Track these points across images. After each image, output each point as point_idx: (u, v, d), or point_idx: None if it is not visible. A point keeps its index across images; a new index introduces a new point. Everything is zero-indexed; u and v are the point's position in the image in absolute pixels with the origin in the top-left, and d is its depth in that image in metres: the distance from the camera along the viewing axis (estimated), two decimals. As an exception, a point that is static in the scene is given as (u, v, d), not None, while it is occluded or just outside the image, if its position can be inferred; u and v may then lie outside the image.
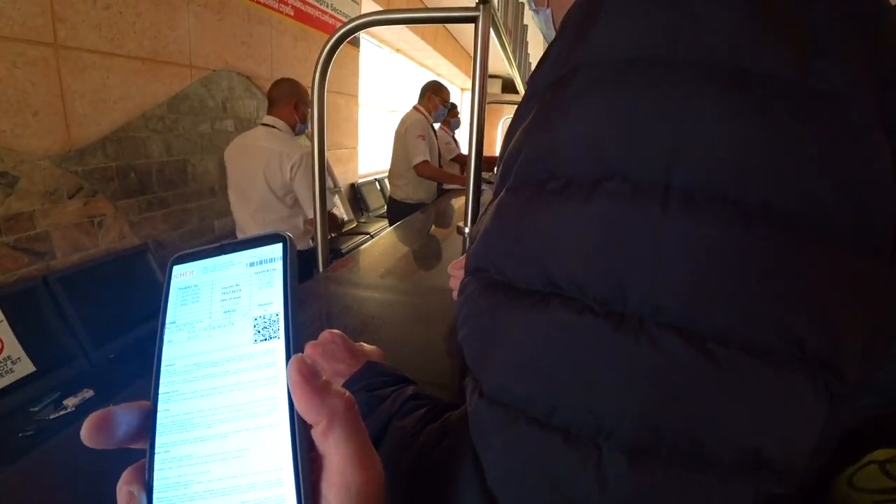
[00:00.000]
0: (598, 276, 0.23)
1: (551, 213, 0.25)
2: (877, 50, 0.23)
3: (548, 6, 0.55)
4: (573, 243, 0.24)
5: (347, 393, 0.23)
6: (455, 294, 0.74)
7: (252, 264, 0.26)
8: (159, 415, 0.24)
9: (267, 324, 0.24)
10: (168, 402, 0.24)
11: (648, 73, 0.24)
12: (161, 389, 0.24)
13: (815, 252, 0.22)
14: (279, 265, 0.25)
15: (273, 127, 2.22)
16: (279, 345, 0.24)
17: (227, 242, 0.27)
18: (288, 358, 0.23)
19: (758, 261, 0.21)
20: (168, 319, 0.26)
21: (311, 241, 2.28)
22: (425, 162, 3.15)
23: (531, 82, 0.31)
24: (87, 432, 0.22)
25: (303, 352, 0.22)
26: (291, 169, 2.14)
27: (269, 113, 2.25)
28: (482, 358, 0.28)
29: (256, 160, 2.15)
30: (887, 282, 0.23)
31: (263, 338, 0.24)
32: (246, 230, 2.30)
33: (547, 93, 0.28)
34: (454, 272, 0.77)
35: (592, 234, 0.24)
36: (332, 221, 2.25)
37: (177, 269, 0.27)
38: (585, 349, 0.23)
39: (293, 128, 2.30)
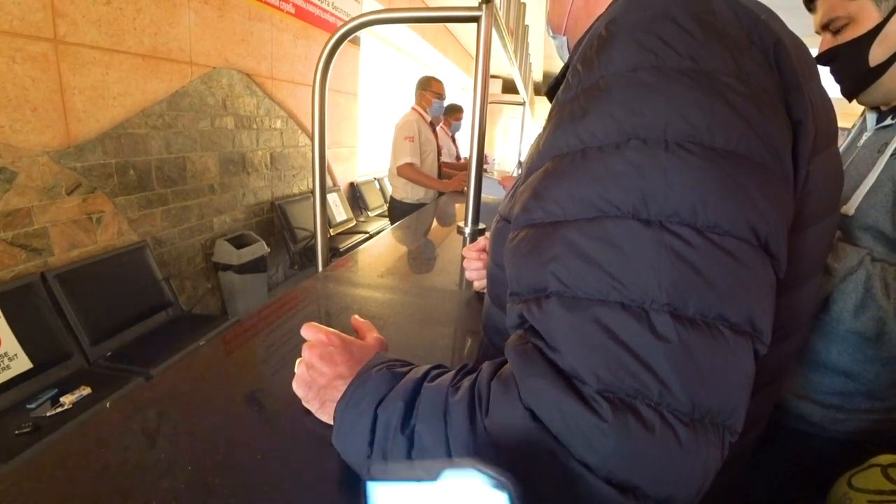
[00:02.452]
0: (628, 196, 0.34)
1: (598, 164, 0.36)
2: (773, 72, 0.38)
3: (564, 34, 0.62)
4: (611, 180, 0.35)
5: None
6: (468, 274, 0.92)
7: None
8: None
9: None
10: None
11: (644, 75, 0.36)
12: None
13: (759, 176, 0.35)
14: None
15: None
16: None
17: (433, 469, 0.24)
18: None
19: (728, 180, 0.33)
20: None
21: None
22: (408, 164, 3.17)
23: (559, 98, 0.44)
24: None
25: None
26: None
27: None
28: (542, 273, 0.36)
29: None
30: (791, 200, 0.38)
31: None
32: None
33: (580, 96, 0.39)
34: (470, 254, 0.90)
35: (623, 172, 0.35)
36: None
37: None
38: (627, 242, 0.33)
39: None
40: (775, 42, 0.39)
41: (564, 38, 0.62)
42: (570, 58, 0.53)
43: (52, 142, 2.02)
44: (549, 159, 0.40)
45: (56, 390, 1.85)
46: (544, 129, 0.45)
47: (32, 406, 1.76)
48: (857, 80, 0.79)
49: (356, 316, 0.65)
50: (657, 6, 0.38)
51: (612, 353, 0.31)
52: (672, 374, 0.30)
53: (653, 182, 0.34)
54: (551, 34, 0.66)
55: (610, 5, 0.45)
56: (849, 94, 0.82)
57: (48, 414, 1.71)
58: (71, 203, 2.13)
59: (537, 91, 8.08)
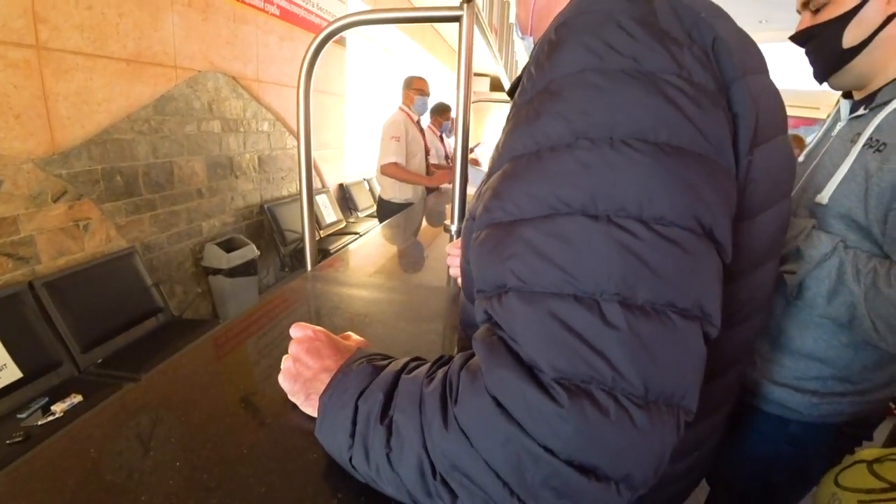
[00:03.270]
0: (578, 193, 0.36)
1: (550, 164, 0.38)
2: (712, 67, 0.41)
3: (530, 34, 0.64)
4: (562, 178, 0.37)
5: None
6: (452, 270, 0.94)
7: None
8: None
9: None
10: None
11: (591, 77, 0.38)
12: None
13: (701, 168, 0.37)
14: None
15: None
16: None
17: None
18: None
19: (671, 174, 0.35)
20: None
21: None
22: (393, 164, 3.19)
23: (516, 101, 0.46)
24: None
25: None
26: None
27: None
28: (501, 270, 0.38)
29: None
30: (734, 189, 0.40)
31: None
32: None
33: (534, 99, 0.41)
34: (453, 251, 0.93)
35: (574, 171, 0.36)
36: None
37: None
38: (578, 238, 0.35)
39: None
40: (714, 38, 0.41)
41: (531, 39, 0.64)
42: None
43: (37, 149, 2.01)
44: (508, 160, 0.42)
45: (47, 399, 1.84)
46: (504, 130, 0.47)
47: (23, 416, 1.75)
48: (829, 61, 0.81)
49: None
50: (602, 10, 0.40)
51: (566, 343, 0.33)
52: (623, 359, 0.32)
53: (600, 179, 0.35)
54: (520, 35, 0.67)
55: (567, 5, 0.47)
56: (821, 75, 0.84)
57: (39, 423, 1.70)
58: (57, 210, 2.12)
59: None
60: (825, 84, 0.84)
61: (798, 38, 0.83)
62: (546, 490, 0.32)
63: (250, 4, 3.23)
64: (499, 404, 0.34)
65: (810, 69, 0.85)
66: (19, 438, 1.60)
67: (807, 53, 0.84)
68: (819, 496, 0.73)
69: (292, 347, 0.56)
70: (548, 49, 0.42)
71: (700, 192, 0.36)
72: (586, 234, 0.35)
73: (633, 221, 0.34)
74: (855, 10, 0.75)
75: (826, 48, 0.80)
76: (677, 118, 0.36)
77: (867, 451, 0.72)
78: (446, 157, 3.97)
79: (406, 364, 0.47)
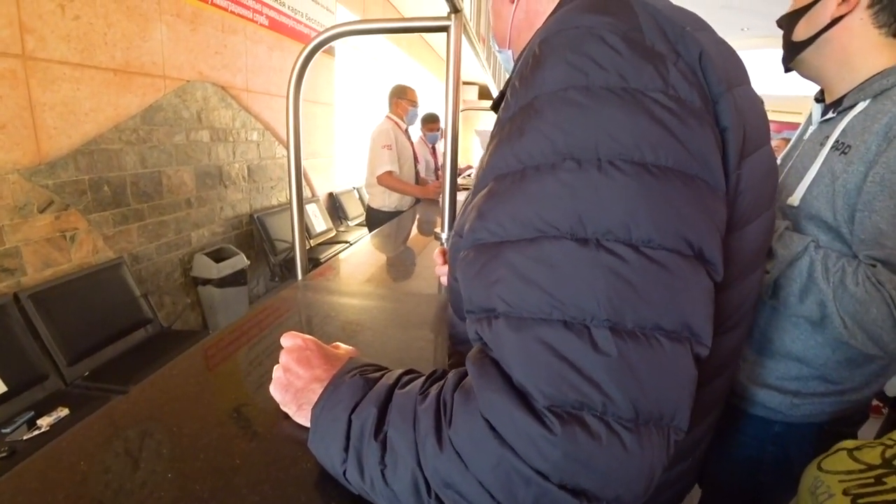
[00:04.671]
0: (564, 216, 0.35)
1: (534, 185, 0.37)
2: (699, 83, 0.40)
3: (508, 47, 0.63)
4: (548, 200, 0.36)
5: None
6: (443, 279, 0.93)
7: None
8: None
9: None
10: None
11: (575, 95, 0.37)
12: None
13: (688, 188, 0.36)
14: None
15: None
16: None
17: None
18: None
19: (657, 195, 0.35)
20: None
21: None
22: (388, 173, 3.20)
23: (500, 116, 0.46)
24: None
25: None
26: None
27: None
28: (488, 294, 0.37)
29: None
30: (723, 206, 0.40)
31: None
32: None
33: (517, 115, 0.41)
34: (440, 259, 0.94)
35: (559, 193, 0.36)
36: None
37: None
38: (565, 262, 0.35)
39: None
40: (700, 53, 0.41)
41: (510, 52, 0.63)
42: (512, 73, 0.54)
43: (23, 159, 1.99)
44: (492, 179, 0.42)
45: (32, 413, 1.81)
46: (488, 146, 0.47)
47: (8, 430, 1.72)
48: (786, 49, 0.85)
49: None
50: (586, 25, 0.40)
51: (555, 370, 0.33)
52: (613, 385, 0.32)
53: (586, 201, 0.35)
54: (496, 49, 0.67)
55: (547, 19, 0.47)
56: (783, 60, 0.88)
57: (25, 437, 1.67)
58: (43, 221, 2.09)
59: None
60: (807, 89, 0.86)
61: (778, 23, 0.88)
62: None
63: (239, 15, 3.23)
64: (491, 427, 0.34)
65: (794, 73, 0.89)
66: (4, 454, 1.56)
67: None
68: (803, 481, 0.75)
69: (282, 357, 0.56)
70: (532, 64, 0.41)
71: (686, 213, 0.36)
72: (573, 258, 0.34)
73: (621, 245, 0.34)
74: (810, 6, 0.79)
75: (785, 37, 0.84)
76: (663, 137, 0.36)
77: (847, 442, 0.74)
78: (436, 169, 3.96)
79: (399, 378, 0.46)
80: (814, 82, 0.87)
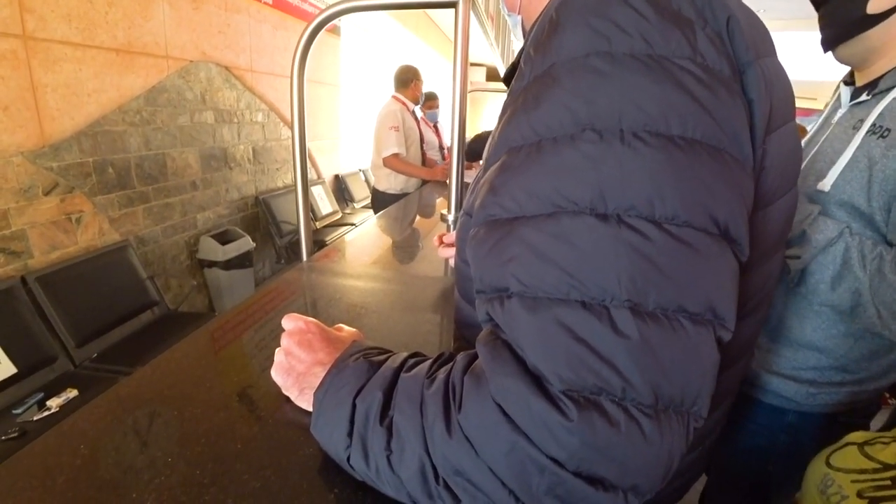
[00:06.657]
0: (585, 190, 0.33)
1: (552, 157, 0.35)
2: (727, 51, 0.37)
3: (518, 13, 0.59)
4: (567, 174, 0.34)
5: None
6: (451, 262, 0.96)
7: None
8: None
9: None
10: None
11: (597, 61, 0.35)
12: None
13: (717, 162, 0.34)
14: None
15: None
16: None
17: None
18: None
19: (684, 170, 0.33)
20: None
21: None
22: (394, 155, 3.15)
23: (513, 87, 0.43)
24: None
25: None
26: None
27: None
28: (502, 273, 0.35)
29: None
30: (751, 183, 0.38)
31: None
32: None
33: (533, 84, 0.38)
34: (446, 240, 0.94)
35: (579, 166, 0.34)
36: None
37: None
38: (584, 240, 0.33)
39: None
40: (728, 18, 0.38)
41: (519, 18, 0.60)
42: (525, 41, 0.51)
43: (27, 142, 1.98)
44: (505, 152, 0.39)
45: (42, 394, 1.83)
46: (500, 119, 0.44)
47: (19, 411, 1.74)
48: (845, 26, 0.77)
49: None
50: None
51: (573, 353, 0.31)
52: (633, 369, 0.31)
53: (609, 175, 0.33)
54: (506, 13, 0.64)
55: None
56: (832, 41, 0.80)
57: (35, 418, 1.69)
58: (49, 204, 2.09)
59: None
60: (824, 74, 0.82)
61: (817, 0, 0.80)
62: (551, 498, 0.32)
63: (242, -7, 3.18)
64: (503, 412, 0.32)
65: (810, 57, 0.84)
66: (15, 434, 1.59)
67: (821, 17, 0.80)
68: (809, 476, 0.73)
69: (284, 340, 0.55)
70: (549, 29, 0.38)
71: (714, 189, 0.34)
72: (593, 235, 0.32)
73: (645, 222, 0.32)
74: None
75: (847, 11, 0.76)
76: (691, 108, 0.34)
77: (856, 434, 0.72)
78: (440, 147, 3.92)
79: (405, 361, 0.45)
80: (853, 65, 0.81)
